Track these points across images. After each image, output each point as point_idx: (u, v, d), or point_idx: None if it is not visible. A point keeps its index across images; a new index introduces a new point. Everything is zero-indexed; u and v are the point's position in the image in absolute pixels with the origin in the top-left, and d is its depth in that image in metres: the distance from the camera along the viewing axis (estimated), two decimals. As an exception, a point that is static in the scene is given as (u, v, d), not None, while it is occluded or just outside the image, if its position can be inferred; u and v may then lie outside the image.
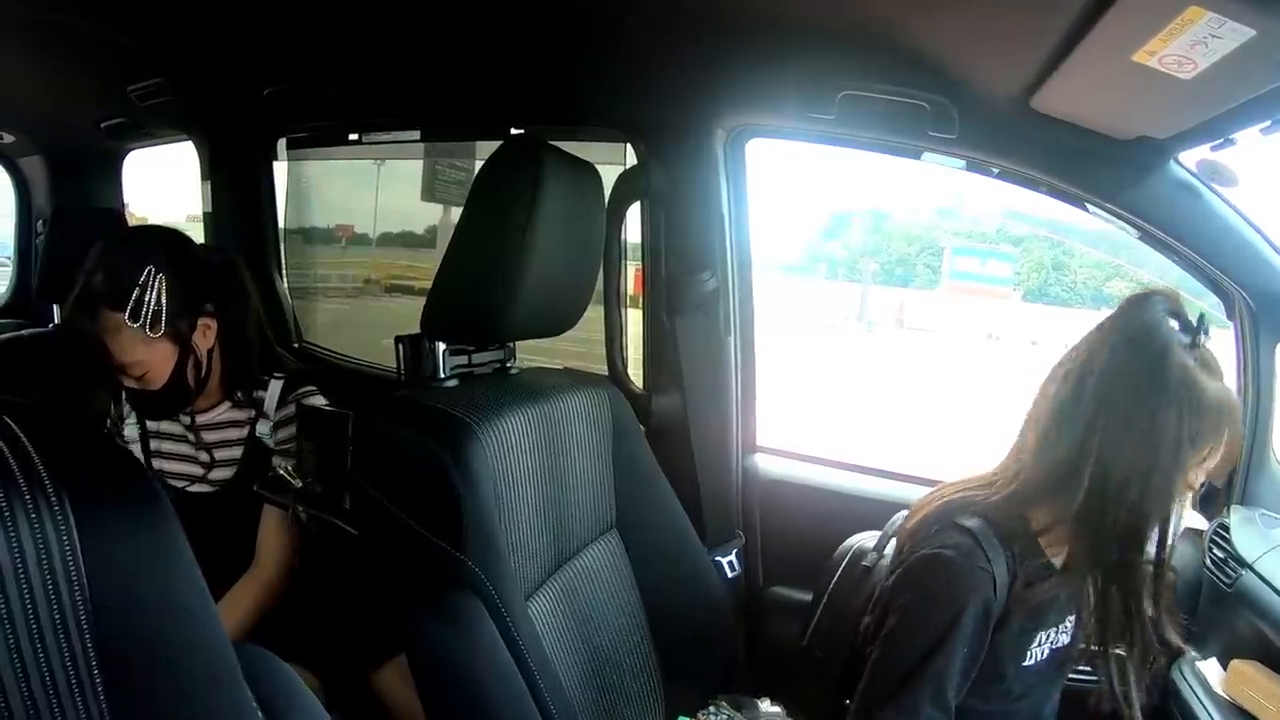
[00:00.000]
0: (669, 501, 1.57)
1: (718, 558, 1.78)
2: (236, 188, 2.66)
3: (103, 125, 2.81)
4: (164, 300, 1.57)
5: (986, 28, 1.28)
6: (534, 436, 1.34)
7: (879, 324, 17.06)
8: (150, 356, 1.59)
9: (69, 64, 2.35)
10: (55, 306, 2.46)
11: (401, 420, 1.26)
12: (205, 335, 1.66)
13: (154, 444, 1.77)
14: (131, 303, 1.55)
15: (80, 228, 2.43)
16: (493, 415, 1.27)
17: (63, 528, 0.58)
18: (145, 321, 1.55)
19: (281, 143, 2.69)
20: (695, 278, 1.81)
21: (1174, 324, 1.10)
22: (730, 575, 1.81)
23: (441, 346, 1.36)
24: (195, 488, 1.74)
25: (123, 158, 3.24)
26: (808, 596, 1.48)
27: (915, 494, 1.36)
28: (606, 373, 1.93)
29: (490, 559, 1.20)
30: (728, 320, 1.86)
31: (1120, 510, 1.09)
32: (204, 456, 1.73)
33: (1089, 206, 1.55)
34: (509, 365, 1.50)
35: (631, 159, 1.86)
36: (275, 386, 1.73)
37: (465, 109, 2.18)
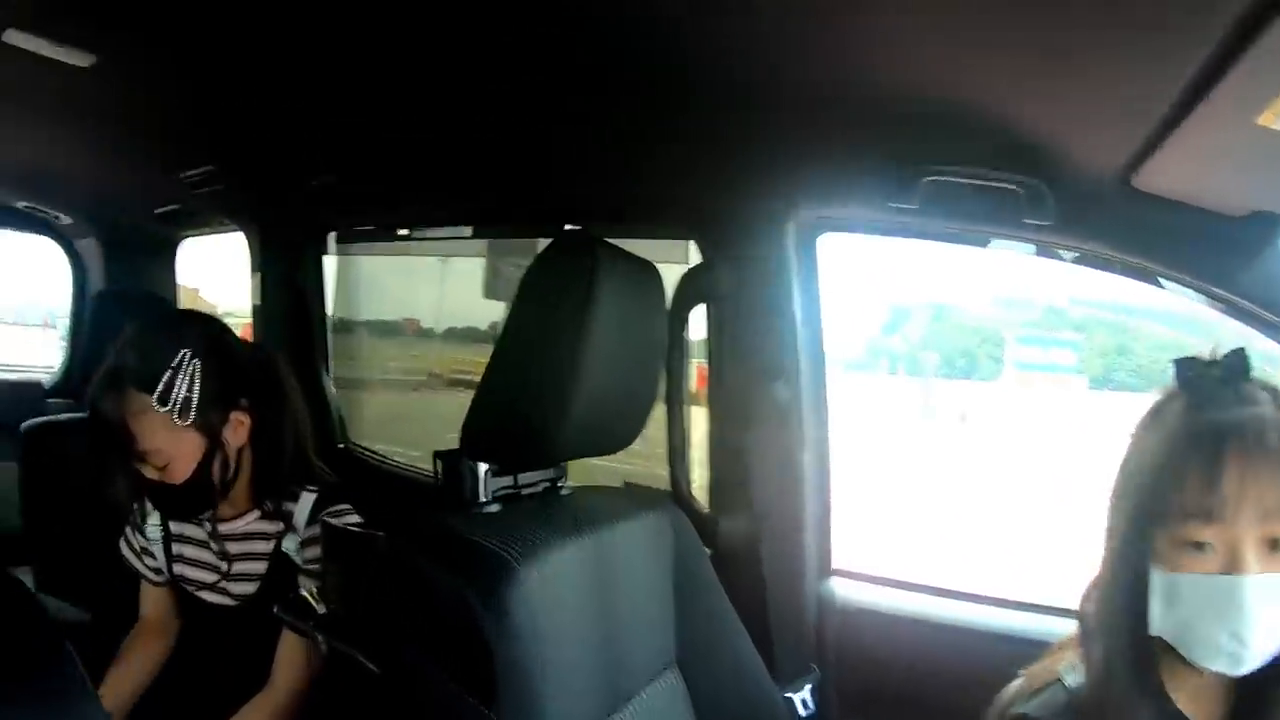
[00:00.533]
0: (736, 633, 1.42)
1: (789, 695, 1.60)
2: (285, 281, 2.61)
3: (157, 211, 2.82)
4: (196, 387, 1.49)
5: (1086, 101, 1.16)
6: (586, 569, 1.19)
7: (942, 418, 16.73)
8: (175, 447, 1.49)
9: (124, 147, 2.35)
10: None
11: (429, 552, 1.12)
12: (237, 432, 1.57)
13: (176, 547, 1.67)
14: (161, 385, 1.46)
15: (122, 311, 2.38)
16: (537, 547, 1.12)
17: None
18: (174, 407, 1.47)
19: (331, 237, 2.65)
20: (766, 388, 1.67)
21: None
22: (803, 714, 1.63)
23: (482, 468, 1.22)
24: (215, 598, 1.64)
25: (177, 244, 3.26)
26: None
27: (1019, 621, 1.27)
28: (666, 476, 1.79)
29: (526, 715, 1.05)
30: (801, 434, 1.70)
31: None
32: (225, 567, 1.63)
33: (1189, 290, 1.38)
34: (559, 485, 1.36)
35: (694, 256, 1.75)
36: (307, 500, 1.61)
37: (518, 205, 2.09)
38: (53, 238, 3.54)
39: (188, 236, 3.24)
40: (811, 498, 1.72)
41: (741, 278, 1.66)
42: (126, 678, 1.65)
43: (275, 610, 1.44)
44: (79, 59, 1.65)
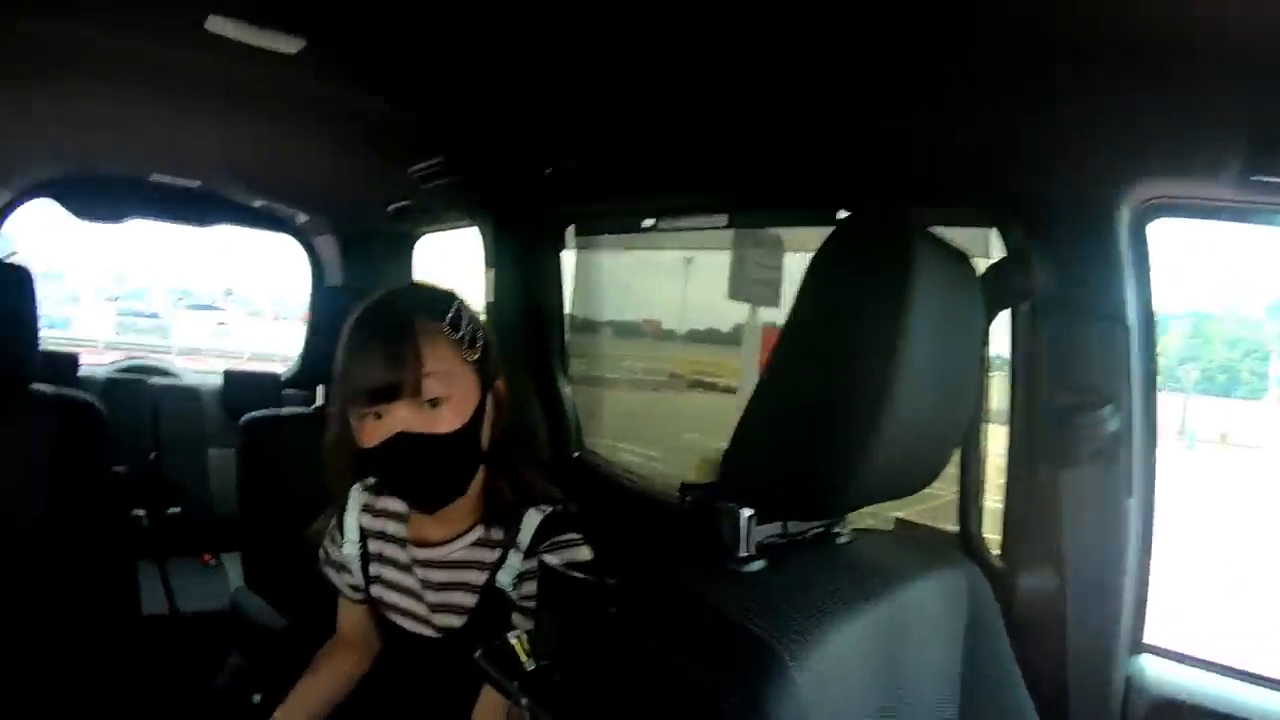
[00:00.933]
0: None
1: None
2: (520, 277, 2.51)
3: (390, 207, 2.82)
4: (480, 332, 1.37)
5: None
6: (872, 656, 0.91)
7: (1201, 440, 15.25)
8: (455, 383, 1.32)
9: (356, 144, 2.34)
10: (320, 389, 2.33)
11: (673, 632, 0.86)
12: (496, 405, 1.40)
13: (375, 568, 1.50)
14: (451, 314, 1.33)
15: (349, 310, 2.27)
16: (816, 634, 0.84)
17: None
18: (464, 336, 1.33)
19: (570, 231, 2.51)
20: (1093, 415, 1.35)
21: None
22: None
23: (745, 514, 0.95)
24: (414, 627, 1.47)
25: (414, 242, 3.28)
26: None
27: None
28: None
29: None
30: (1130, 475, 1.37)
31: None
32: (429, 597, 1.44)
33: None
34: (837, 531, 1.08)
35: (997, 249, 1.44)
36: (533, 521, 1.42)
37: (782, 189, 1.83)
38: (291, 235, 3.73)
39: (424, 233, 3.22)
40: (1134, 557, 1.42)
41: (1062, 275, 1.36)
42: (315, 691, 1.56)
43: (476, 658, 1.22)
44: (285, 45, 1.58)
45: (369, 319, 1.33)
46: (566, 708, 1.08)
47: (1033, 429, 1.40)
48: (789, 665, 0.79)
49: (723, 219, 2.03)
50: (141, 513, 3.25)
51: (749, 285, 3.05)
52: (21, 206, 3.29)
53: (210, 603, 2.81)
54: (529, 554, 1.40)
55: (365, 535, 1.53)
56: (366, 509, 1.53)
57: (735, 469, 0.95)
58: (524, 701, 1.11)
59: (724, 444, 1.00)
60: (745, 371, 3.46)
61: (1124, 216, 1.33)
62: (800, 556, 1.00)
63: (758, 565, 0.95)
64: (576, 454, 2.49)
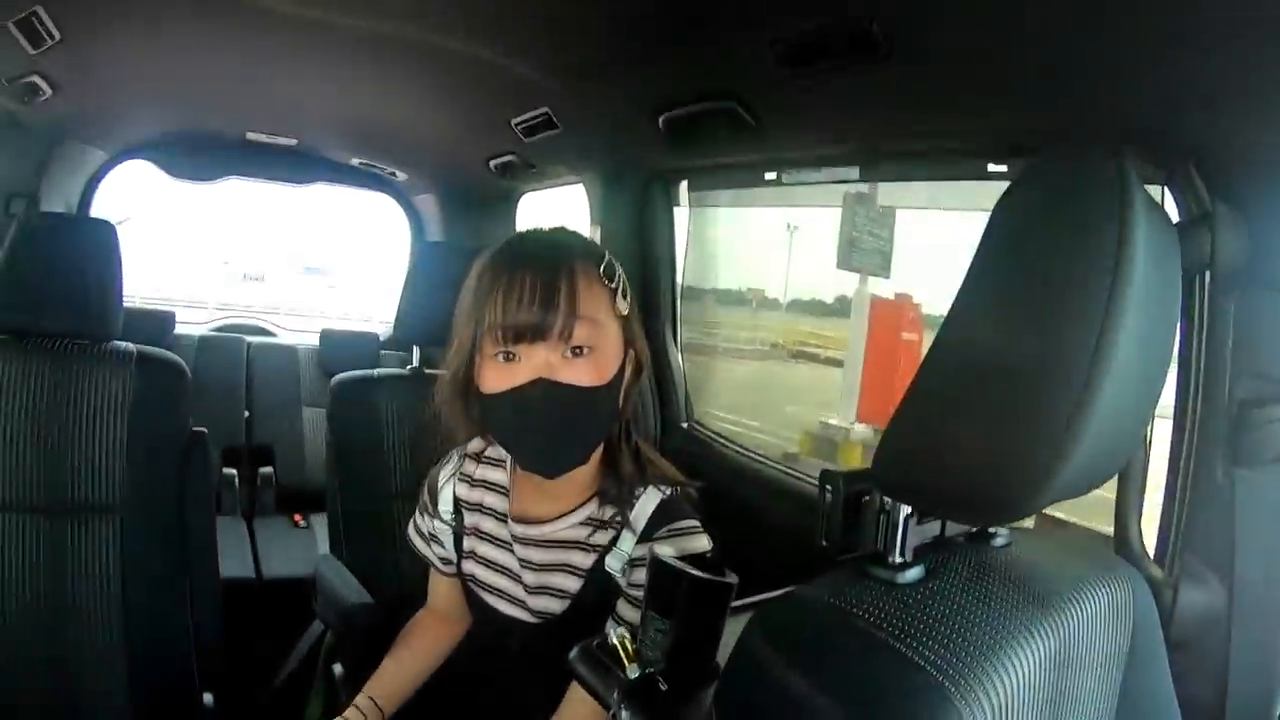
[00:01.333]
0: None
1: None
2: (629, 236, 2.39)
3: (491, 164, 2.76)
4: (627, 286, 1.25)
5: None
6: (1039, 686, 0.75)
7: None
8: (605, 333, 1.21)
9: (457, 97, 2.32)
10: (416, 349, 2.21)
11: (811, 662, 0.70)
12: (633, 371, 1.29)
13: (469, 543, 1.39)
14: (605, 263, 1.23)
15: (446, 265, 2.15)
16: (987, 666, 0.69)
17: None
18: (618, 285, 1.23)
19: (684, 187, 2.38)
20: (1278, 409, 1.16)
21: None
22: None
23: (904, 511, 0.79)
24: (509, 609, 1.35)
25: (517, 200, 3.22)
26: None
27: None
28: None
29: None
30: None
31: None
32: (528, 578, 1.32)
33: None
34: (993, 532, 0.92)
35: (1171, 210, 1.22)
36: (649, 502, 1.29)
37: (928, 132, 1.63)
38: (390, 194, 3.77)
39: (527, 191, 3.12)
40: None
41: (1257, 239, 1.16)
42: (405, 664, 1.47)
43: (570, 658, 1.06)
44: None
45: (518, 250, 1.22)
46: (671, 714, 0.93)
47: (1207, 421, 1.22)
48: (960, 710, 0.65)
49: (853, 171, 1.86)
50: (232, 472, 3.26)
51: (858, 255, 3.07)
52: (117, 168, 3.33)
53: (298, 567, 2.78)
54: (643, 538, 1.27)
55: (461, 507, 1.41)
56: (464, 478, 1.41)
57: (893, 456, 0.77)
58: (624, 715, 0.95)
59: (826, 417, 0.83)
60: (852, 343, 3.35)
61: None
62: (958, 563, 0.85)
63: (914, 574, 0.79)
64: (685, 425, 2.38)
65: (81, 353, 1.74)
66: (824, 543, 0.84)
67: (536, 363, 1.17)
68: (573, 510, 1.31)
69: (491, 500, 1.38)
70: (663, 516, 1.28)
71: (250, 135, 3.22)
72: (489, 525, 1.37)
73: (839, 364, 3.51)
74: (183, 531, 1.72)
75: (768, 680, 0.70)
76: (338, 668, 1.82)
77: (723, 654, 0.94)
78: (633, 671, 0.97)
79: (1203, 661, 1.22)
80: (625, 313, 1.24)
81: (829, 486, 0.83)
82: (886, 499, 0.80)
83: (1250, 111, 1.09)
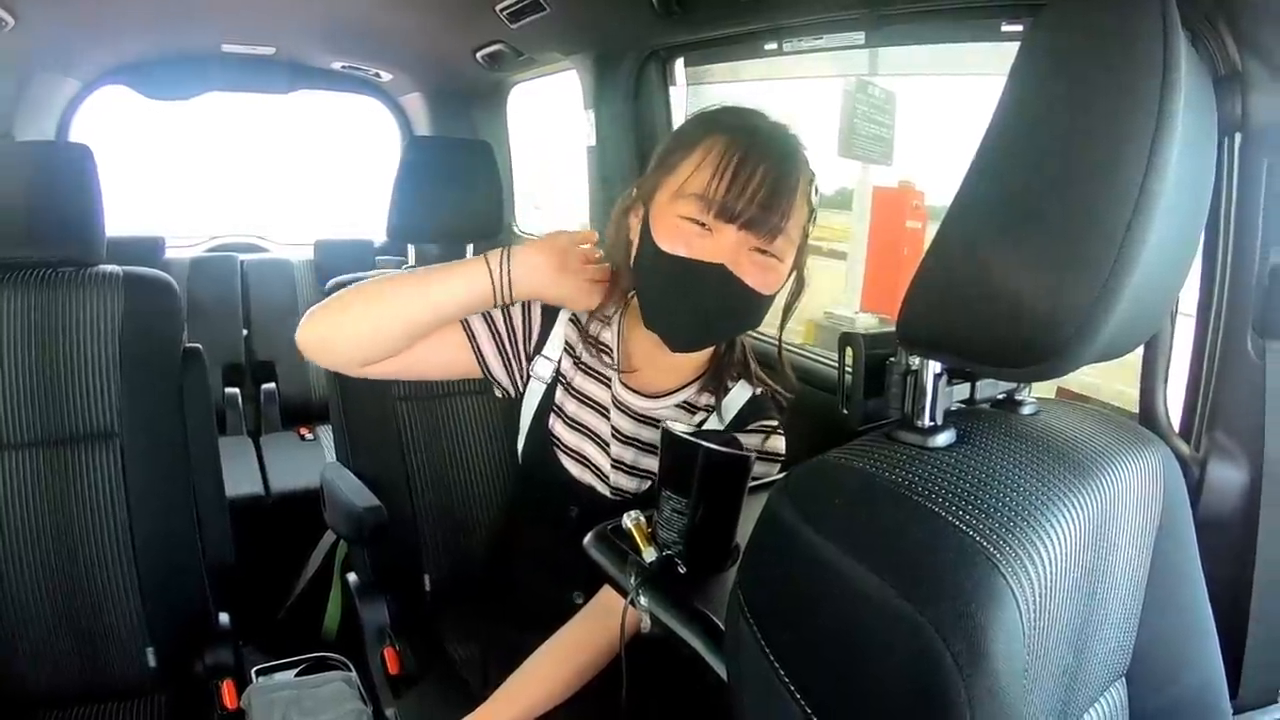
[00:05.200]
0: (1208, 643, 0.97)
1: None
2: (624, 118, 2.35)
3: (478, 55, 2.73)
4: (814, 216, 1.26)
5: None
6: (1078, 555, 0.71)
7: None
8: (788, 250, 1.22)
9: None
10: (411, 247, 2.24)
11: (844, 528, 0.65)
12: (794, 288, 1.31)
13: (559, 395, 1.39)
14: (816, 180, 1.24)
15: (439, 159, 2.14)
16: (1025, 522, 0.65)
17: None
18: (815, 207, 1.25)
19: (680, 66, 2.32)
20: None
21: None
22: None
23: (934, 369, 0.73)
24: (587, 479, 1.38)
25: (507, 92, 3.18)
26: None
27: None
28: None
29: None
30: None
31: None
32: (614, 449, 1.35)
33: None
34: (1021, 395, 0.88)
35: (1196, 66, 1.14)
36: (741, 395, 1.35)
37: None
38: (376, 97, 3.72)
39: (517, 81, 3.07)
40: None
41: None
42: None
43: (585, 543, 1.02)
44: None
45: (754, 132, 1.19)
46: (695, 616, 0.88)
47: (1236, 290, 1.17)
48: (1005, 575, 0.60)
49: (858, 36, 1.78)
50: (235, 391, 3.24)
51: (860, 142, 2.99)
52: (92, 94, 3.27)
53: (305, 479, 2.79)
54: (729, 427, 1.31)
55: (567, 352, 1.39)
56: (577, 324, 1.38)
57: (919, 310, 0.71)
58: (643, 601, 0.91)
59: (830, 307, 0.77)
60: (854, 233, 3.31)
61: None
62: (989, 429, 0.80)
63: (945, 438, 0.74)
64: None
65: (68, 279, 1.70)
66: (844, 411, 0.78)
67: (725, 245, 1.16)
68: (675, 390, 1.35)
69: (594, 361, 1.37)
70: (750, 411, 1.33)
71: (226, 48, 3.14)
72: (587, 385, 1.37)
73: (842, 256, 3.44)
74: (185, 452, 1.70)
75: (796, 549, 0.66)
76: (352, 577, 1.82)
77: (742, 538, 0.91)
78: (649, 555, 0.94)
79: (1230, 540, 1.19)
80: (810, 233, 1.25)
81: (849, 349, 0.77)
82: (912, 359, 0.74)
83: None
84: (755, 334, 1.41)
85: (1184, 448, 1.23)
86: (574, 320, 1.36)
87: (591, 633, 1.26)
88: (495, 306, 1.29)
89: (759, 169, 1.13)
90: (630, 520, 0.97)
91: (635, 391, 1.34)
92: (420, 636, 1.67)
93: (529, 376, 1.38)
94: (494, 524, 1.71)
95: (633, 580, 0.93)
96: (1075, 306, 0.61)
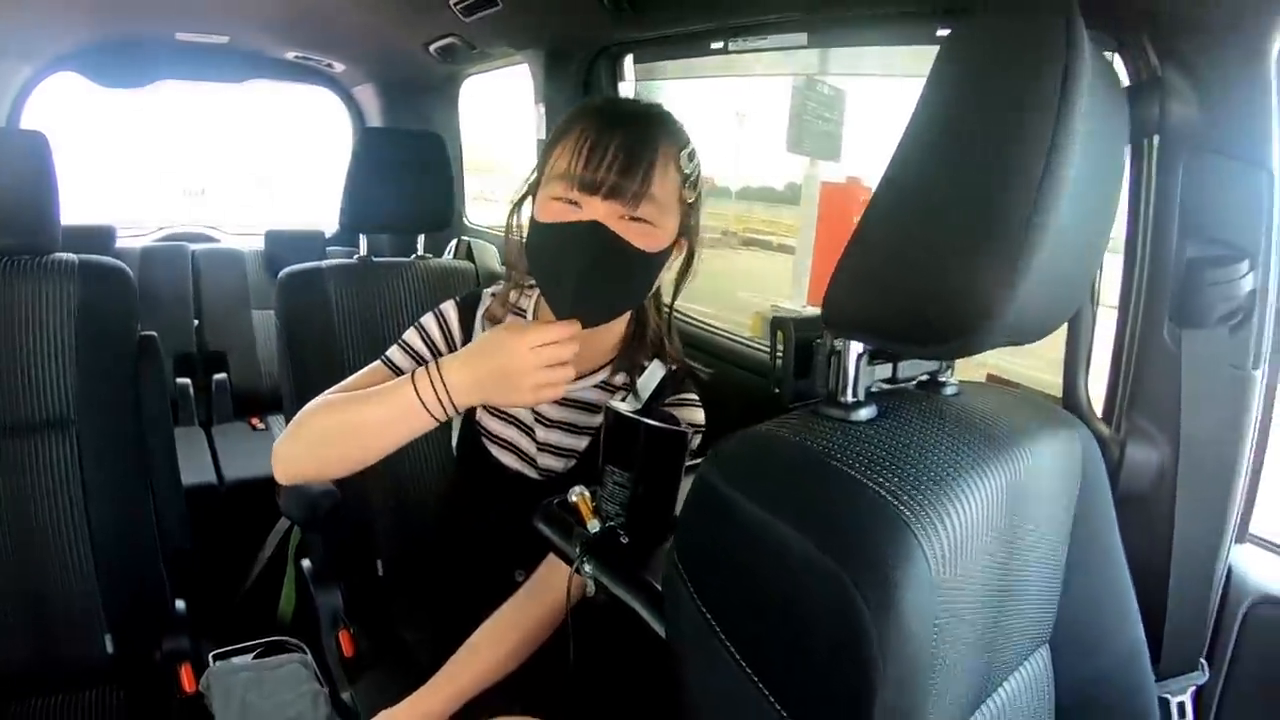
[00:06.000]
0: (1126, 607, 1.06)
1: (1167, 695, 1.24)
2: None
3: (431, 48, 2.77)
4: (699, 175, 1.32)
5: None
6: (992, 515, 0.78)
7: None
8: (663, 216, 1.26)
9: None
10: (363, 237, 2.20)
11: (769, 491, 0.72)
12: (684, 260, 1.37)
13: None
14: (688, 149, 1.28)
15: (390, 150, 2.18)
16: (937, 486, 0.72)
17: None
18: (692, 174, 1.29)
19: (629, 63, 2.37)
20: (1224, 270, 1.17)
21: None
22: None
23: (856, 350, 0.80)
24: (516, 465, 1.44)
25: (459, 85, 3.25)
26: None
27: None
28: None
29: None
30: (1260, 343, 1.22)
31: None
32: (539, 433, 1.42)
33: None
34: (943, 377, 0.95)
35: (1123, 76, 1.23)
36: (656, 373, 1.41)
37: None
38: (329, 87, 3.74)
39: (470, 74, 3.14)
40: (1253, 434, 1.27)
41: (1206, 105, 1.15)
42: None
43: (533, 520, 1.07)
44: None
45: (613, 112, 1.27)
46: (637, 581, 0.94)
47: (1154, 281, 1.25)
48: (915, 532, 0.67)
49: (801, 38, 1.83)
50: (186, 382, 3.24)
51: (808, 138, 3.00)
52: (43, 82, 3.25)
53: (258, 469, 2.78)
54: (646, 405, 1.35)
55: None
56: (490, 319, 1.42)
57: (841, 296, 0.78)
58: (587, 569, 0.97)
59: (777, 300, 0.83)
60: (802, 228, 3.38)
61: (1276, 39, 1.12)
62: (909, 406, 0.87)
63: (867, 413, 0.80)
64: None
65: (23, 268, 1.71)
66: (775, 390, 0.85)
67: (595, 213, 1.20)
68: (592, 373, 1.39)
69: None
70: (666, 388, 1.39)
71: (180, 36, 3.14)
72: None
73: (791, 251, 3.51)
74: (141, 440, 1.71)
75: (727, 512, 0.72)
76: (306, 562, 1.84)
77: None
78: (593, 526, 1.00)
79: (1149, 517, 1.26)
80: (690, 200, 1.29)
81: (780, 333, 0.84)
82: (837, 341, 0.81)
83: None
84: (679, 315, 1.47)
85: (1104, 429, 1.30)
86: (488, 318, 1.41)
87: (529, 608, 1.32)
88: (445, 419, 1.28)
89: (614, 140, 1.20)
90: (575, 494, 1.03)
91: None
92: (374, 620, 1.70)
93: None
94: (441, 510, 1.73)
95: (577, 550, 0.99)
96: (982, 291, 0.67)
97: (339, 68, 3.50)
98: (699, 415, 1.38)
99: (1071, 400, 1.33)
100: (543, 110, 2.42)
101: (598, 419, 1.36)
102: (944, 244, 0.71)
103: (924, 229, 0.72)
